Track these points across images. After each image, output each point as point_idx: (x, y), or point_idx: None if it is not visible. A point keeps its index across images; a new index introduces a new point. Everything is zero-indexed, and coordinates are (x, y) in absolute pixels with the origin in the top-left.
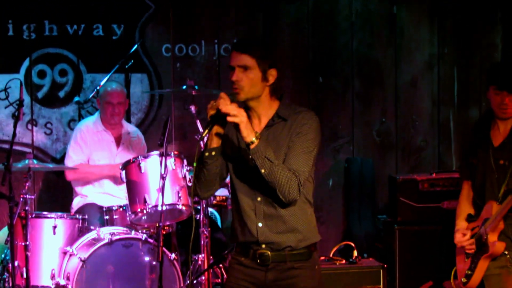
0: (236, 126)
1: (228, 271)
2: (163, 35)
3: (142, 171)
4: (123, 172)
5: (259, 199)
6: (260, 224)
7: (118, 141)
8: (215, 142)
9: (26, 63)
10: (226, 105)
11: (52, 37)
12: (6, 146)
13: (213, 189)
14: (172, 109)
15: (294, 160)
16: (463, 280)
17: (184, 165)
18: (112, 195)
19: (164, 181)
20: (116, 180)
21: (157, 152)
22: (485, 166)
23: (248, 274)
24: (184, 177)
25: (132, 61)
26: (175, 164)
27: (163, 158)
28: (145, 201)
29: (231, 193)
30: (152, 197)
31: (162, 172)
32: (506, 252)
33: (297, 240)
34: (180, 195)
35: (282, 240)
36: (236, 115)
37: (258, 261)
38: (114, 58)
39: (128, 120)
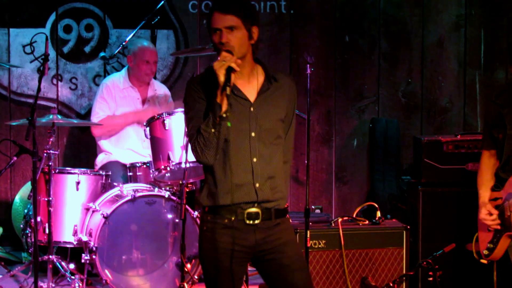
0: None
1: (206, 237)
2: None
3: (166, 128)
4: (147, 128)
5: (254, 159)
6: (257, 185)
7: (145, 97)
8: (225, 104)
9: (52, 17)
10: (235, 62)
11: None
12: (31, 100)
13: (219, 153)
14: (197, 66)
15: (290, 148)
16: (485, 252)
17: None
18: (136, 152)
19: (187, 138)
20: (140, 136)
21: (182, 109)
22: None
23: (238, 237)
24: None
25: (159, 17)
26: None
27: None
28: (168, 158)
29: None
30: (176, 155)
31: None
32: None
33: (281, 198)
34: None
35: (274, 198)
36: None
37: (247, 221)
38: (140, 14)
39: (154, 77)
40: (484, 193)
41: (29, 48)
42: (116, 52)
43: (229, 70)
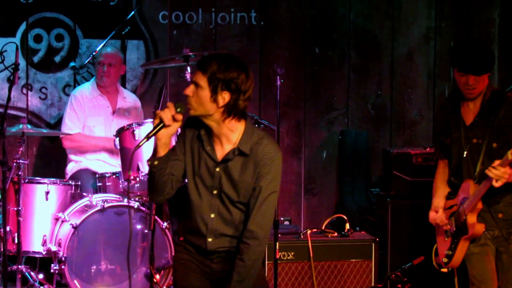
0: (198, 137)
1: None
2: (160, 2)
3: (136, 138)
4: (117, 139)
5: (212, 215)
6: (209, 239)
7: (114, 106)
8: (161, 152)
9: (22, 27)
10: (167, 115)
11: (49, 1)
12: (1, 110)
13: (163, 195)
14: (167, 76)
15: (260, 223)
16: (445, 260)
17: (178, 133)
18: (106, 162)
19: None
20: (111, 149)
21: (152, 120)
22: (459, 145)
23: (196, 259)
24: None
25: (129, 27)
26: None
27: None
28: (138, 169)
29: (186, 195)
30: (145, 165)
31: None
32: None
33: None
34: None
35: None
36: (166, 123)
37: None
38: (111, 24)
39: (124, 87)
40: (436, 200)
41: None
42: (86, 62)
43: (161, 121)
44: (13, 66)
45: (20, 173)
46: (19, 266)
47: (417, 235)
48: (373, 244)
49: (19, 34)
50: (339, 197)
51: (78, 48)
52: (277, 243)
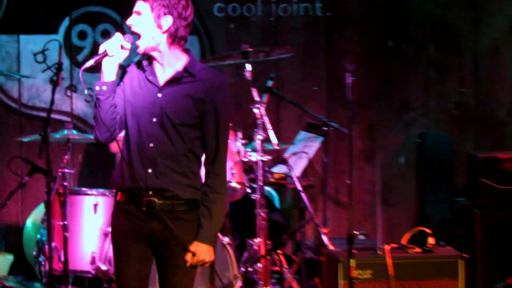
0: (140, 70)
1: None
2: None
3: None
4: None
5: (151, 145)
6: (149, 171)
7: None
8: (108, 76)
9: (65, 22)
10: (111, 45)
11: None
12: (43, 114)
13: (110, 130)
14: (224, 74)
15: (218, 151)
16: None
17: (237, 138)
18: None
19: None
20: None
21: None
22: None
23: (133, 222)
24: (238, 152)
25: None
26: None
27: None
28: None
29: (124, 136)
30: (203, 174)
31: None
32: None
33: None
34: (233, 171)
35: (172, 188)
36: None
37: (144, 208)
38: None
39: None
40: None
41: (40, 57)
42: (136, 60)
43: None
44: (56, 66)
45: (65, 183)
46: (67, 287)
47: (510, 250)
48: (460, 261)
49: (61, 30)
50: (420, 207)
51: None
52: (352, 260)
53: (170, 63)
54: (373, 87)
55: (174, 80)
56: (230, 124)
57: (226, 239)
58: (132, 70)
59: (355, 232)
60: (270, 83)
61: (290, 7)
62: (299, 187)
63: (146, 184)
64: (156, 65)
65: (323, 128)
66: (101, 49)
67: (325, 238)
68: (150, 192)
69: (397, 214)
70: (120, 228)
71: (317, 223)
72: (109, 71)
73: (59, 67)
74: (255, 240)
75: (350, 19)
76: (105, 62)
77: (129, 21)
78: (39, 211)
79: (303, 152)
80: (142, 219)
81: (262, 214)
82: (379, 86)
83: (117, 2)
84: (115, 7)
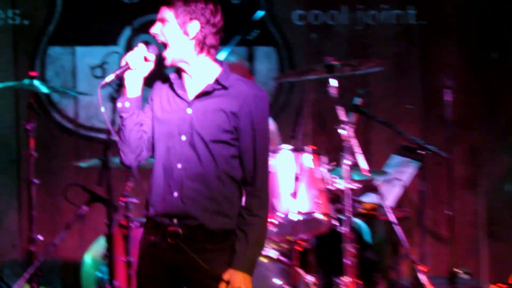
0: (169, 86)
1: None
2: None
3: (271, 171)
4: None
5: (179, 165)
6: (175, 194)
7: None
8: (131, 92)
9: (126, 32)
10: (134, 58)
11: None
12: (103, 136)
13: (136, 152)
14: (307, 91)
15: (259, 170)
16: None
17: (322, 163)
18: None
19: (298, 183)
20: None
21: (289, 146)
22: None
23: (159, 258)
24: (323, 179)
25: (257, 31)
26: (311, 162)
27: (297, 154)
28: (274, 209)
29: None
30: (283, 204)
31: (296, 172)
32: None
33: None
34: (318, 201)
35: (198, 216)
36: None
37: (169, 240)
38: (234, 27)
39: None
40: None
41: (99, 71)
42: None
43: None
44: (117, 82)
45: (129, 214)
46: None
47: None
48: None
49: (122, 41)
50: None
51: None
52: None
53: (201, 75)
54: (476, 104)
55: (205, 94)
56: (313, 147)
57: (311, 279)
58: (161, 85)
59: (457, 270)
60: (358, 101)
61: (379, 14)
62: (392, 218)
63: (170, 210)
64: (185, 78)
65: (419, 151)
66: (122, 62)
67: (423, 277)
68: (175, 220)
69: (505, 250)
70: (144, 271)
71: (413, 259)
72: (132, 86)
73: (120, 82)
74: (343, 279)
75: (448, 28)
76: (127, 76)
77: (153, 30)
78: (99, 246)
79: (396, 179)
80: (167, 253)
81: (351, 250)
82: (482, 104)
83: None
84: None
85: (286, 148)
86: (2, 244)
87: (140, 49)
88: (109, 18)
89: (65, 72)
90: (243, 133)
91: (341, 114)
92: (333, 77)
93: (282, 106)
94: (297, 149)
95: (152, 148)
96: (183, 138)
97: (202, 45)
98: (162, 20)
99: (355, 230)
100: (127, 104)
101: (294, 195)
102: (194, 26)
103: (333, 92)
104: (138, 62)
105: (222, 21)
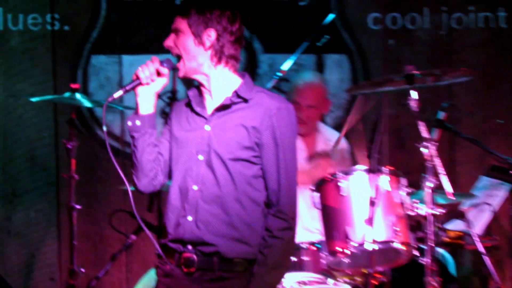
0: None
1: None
2: (369, 0)
3: (343, 194)
4: (316, 194)
5: (195, 187)
6: (190, 218)
7: (311, 149)
8: (143, 109)
9: None
10: (146, 72)
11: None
12: None
13: (149, 177)
14: (384, 105)
15: (284, 192)
16: None
17: (401, 186)
18: (301, 226)
19: (374, 208)
20: (306, 203)
21: (364, 167)
22: None
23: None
24: (402, 204)
25: (327, 36)
26: (389, 184)
27: (373, 175)
28: (347, 237)
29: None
30: (357, 232)
31: (371, 196)
32: None
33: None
34: (396, 228)
35: (213, 242)
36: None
37: (184, 268)
38: (301, 33)
39: (322, 120)
40: None
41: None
42: (270, 86)
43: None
44: (169, 95)
45: None
46: None
47: None
48: None
49: None
50: None
51: (256, 66)
52: None
53: (219, 88)
54: None
55: (223, 108)
56: (391, 168)
57: None
58: (180, 104)
59: None
60: (442, 115)
61: (466, 17)
62: (480, 248)
63: (184, 236)
64: (204, 93)
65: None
66: (133, 76)
67: None
68: (189, 247)
69: None
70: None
71: None
72: (144, 103)
73: (173, 96)
74: None
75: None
76: (139, 92)
77: (166, 43)
78: (149, 280)
79: (485, 203)
80: (182, 283)
81: (434, 284)
82: None
83: (245, 14)
84: (244, 20)
85: (360, 169)
86: (39, 278)
87: (153, 63)
88: (160, 22)
89: (111, 84)
90: (265, 149)
91: (423, 130)
92: (414, 89)
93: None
94: (373, 170)
95: (170, 172)
96: (200, 157)
97: (219, 56)
98: (176, 31)
99: (438, 261)
100: (138, 123)
101: (369, 221)
102: (210, 35)
103: (414, 105)
104: (151, 76)
105: (242, 29)
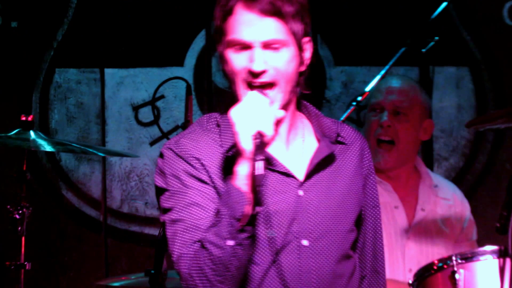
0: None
1: None
2: None
3: None
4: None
5: None
6: None
7: (412, 208)
8: (256, 192)
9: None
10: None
11: None
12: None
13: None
14: None
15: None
16: None
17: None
18: None
19: None
20: None
21: (492, 248)
22: None
23: None
24: None
25: (436, 38)
26: None
27: (507, 262)
28: None
29: None
30: None
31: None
32: None
33: None
34: None
35: None
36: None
37: None
38: (396, 33)
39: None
40: None
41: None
42: (345, 115)
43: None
44: (182, 124)
45: None
46: None
47: None
48: None
49: (190, 61)
50: None
51: (324, 84)
52: None
53: (294, 128)
54: None
55: (320, 164)
56: None
57: None
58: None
59: None
60: None
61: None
62: None
63: None
64: (277, 139)
65: None
66: (242, 127)
67: None
68: None
69: None
70: None
71: None
72: (258, 179)
73: (185, 126)
74: None
75: None
76: (256, 151)
77: (258, 66)
78: None
79: None
80: None
81: None
82: None
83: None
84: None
85: (488, 250)
86: None
87: (264, 105)
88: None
89: (87, 114)
90: (364, 206)
91: None
92: None
93: (481, 174)
94: (508, 254)
95: None
96: (305, 243)
97: (304, 79)
98: (272, 44)
99: None
100: (253, 218)
101: None
102: (308, 48)
103: None
104: (271, 125)
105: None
